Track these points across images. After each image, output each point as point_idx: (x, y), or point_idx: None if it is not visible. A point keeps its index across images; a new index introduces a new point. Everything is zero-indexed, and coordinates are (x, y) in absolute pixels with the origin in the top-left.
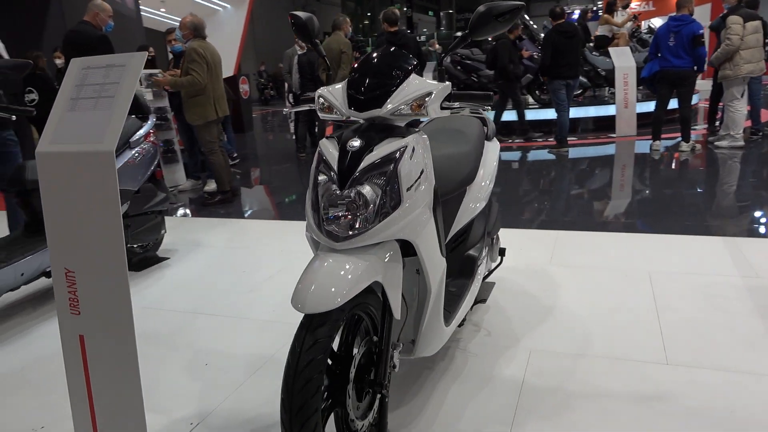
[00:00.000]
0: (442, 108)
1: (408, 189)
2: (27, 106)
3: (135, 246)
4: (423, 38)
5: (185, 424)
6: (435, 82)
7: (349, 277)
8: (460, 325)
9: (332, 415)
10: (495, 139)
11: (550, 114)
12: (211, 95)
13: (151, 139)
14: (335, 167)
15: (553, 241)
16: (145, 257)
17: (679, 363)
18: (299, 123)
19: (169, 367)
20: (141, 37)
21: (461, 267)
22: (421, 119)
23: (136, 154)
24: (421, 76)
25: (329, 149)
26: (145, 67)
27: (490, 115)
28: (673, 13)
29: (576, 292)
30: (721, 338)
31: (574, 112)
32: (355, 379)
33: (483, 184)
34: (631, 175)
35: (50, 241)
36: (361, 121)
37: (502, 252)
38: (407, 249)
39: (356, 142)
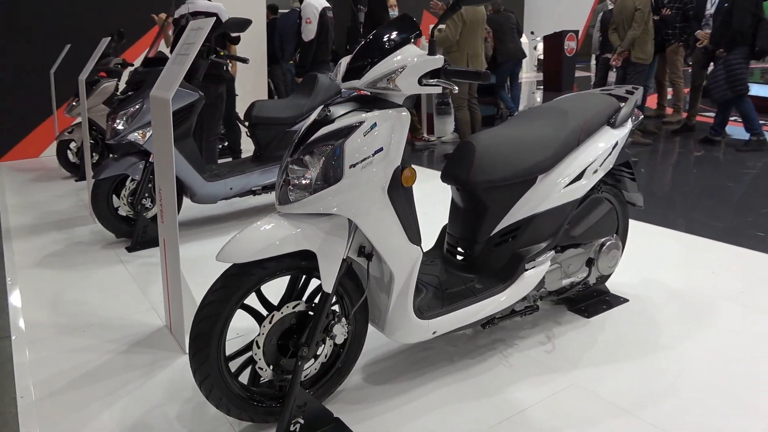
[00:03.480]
0: (422, 84)
1: (352, 166)
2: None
3: None
4: None
5: None
6: (422, 55)
7: (273, 239)
8: (484, 327)
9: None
10: (626, 125)
11: None
12: (465, 52)
13: None
14: (300, 134)
15: None
16: None
17: None
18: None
19: None
20: None
21: (502, 266)
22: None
23: None
24: None
25: (311, 117)
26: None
27: None
28: None
29: (720, 346)
30: None
31: None
32: (284, 336)
33: (566, 176)
34: None
35: (155, 165)
36: (368, 93)
37: (589, 263)
38: None
39: (325, 113)
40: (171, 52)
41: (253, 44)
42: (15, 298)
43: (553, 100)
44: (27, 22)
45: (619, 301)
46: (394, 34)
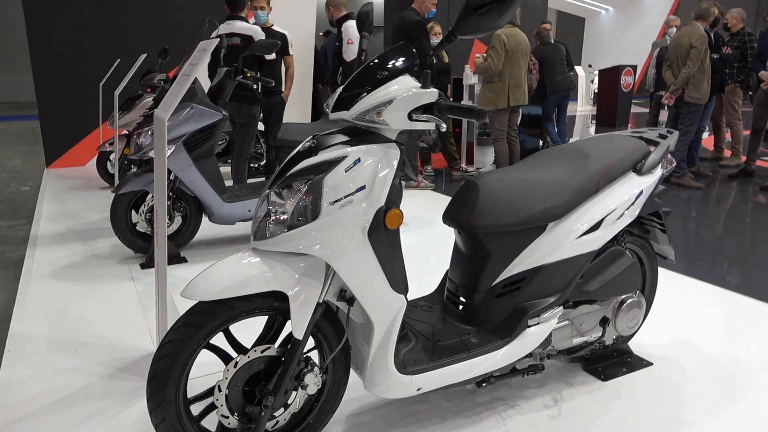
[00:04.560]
0: (412, 119)
1: (331, 203)
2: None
3: None
4: None
5: None
6: (415, 88)
7: (242, 277)
8: (479, 385)
9: None
10: (655, 172)
11: None
12: (506, 83)
13: None
14: (281, 166)
15: None
16: None
17: None
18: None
19: None
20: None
21: (503, 320)
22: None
23: None
24: None
25: (297, 147)
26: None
27: None
28: None
29: (754, 429)
30: None
31: None
32: (252, 382)
33: (581, 225)
34: None
35: (155, 184)
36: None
37: (604, 322)
38: None
39: (309, 144)
40: (209, 72)
41: (299, 67)
42: (21, 309)
43: (575, 141)
44: (82, 36)
45: (641, 364)
46: (389, 64)
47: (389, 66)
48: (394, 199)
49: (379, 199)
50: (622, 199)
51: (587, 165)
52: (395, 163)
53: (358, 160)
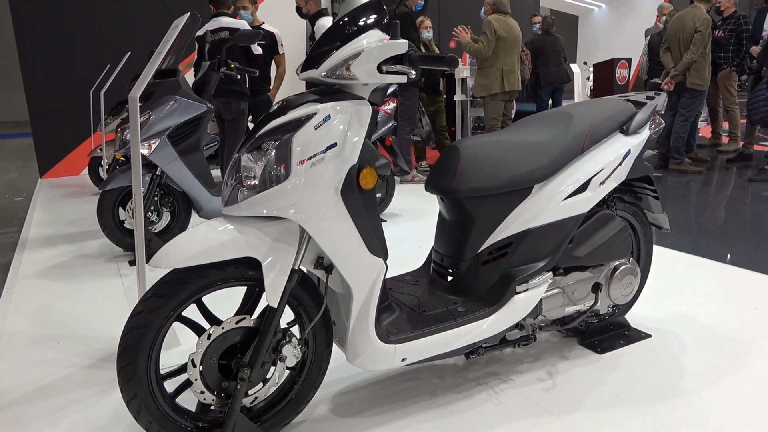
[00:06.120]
0: (383, 72)
1: (301, 162)
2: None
3: None
4: None
5: None
6: (382, 39)
7: (211, 243)
8: (468, 356)
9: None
10: (642, 133)
11: None
12: (500, 68)
13: (384, 108)
14: (251, 129)
15: None
16: None
17: None
18: None
19: None
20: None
21: (490, 287)
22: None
23: None
24: None
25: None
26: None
27: None
28: None
29: (754, 396)
30: None
31: None
32: (228, 356)
33: (567, 187)
34: None
35: (133, 168)
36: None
37: (596, 288)
38: None
39: (278, 105)
40: (194, 71)
41: (292, 64)
42: (5, 307)
43: (562, 106)
44: (71, 46)
45: (640, 336)
46: (357, 20)
47: (358, 22)
48: (367, 157)
49: (352, 157)
50: (609, 159)
51: (572, 126)
52: (367, 120)
53: (328, 116)
